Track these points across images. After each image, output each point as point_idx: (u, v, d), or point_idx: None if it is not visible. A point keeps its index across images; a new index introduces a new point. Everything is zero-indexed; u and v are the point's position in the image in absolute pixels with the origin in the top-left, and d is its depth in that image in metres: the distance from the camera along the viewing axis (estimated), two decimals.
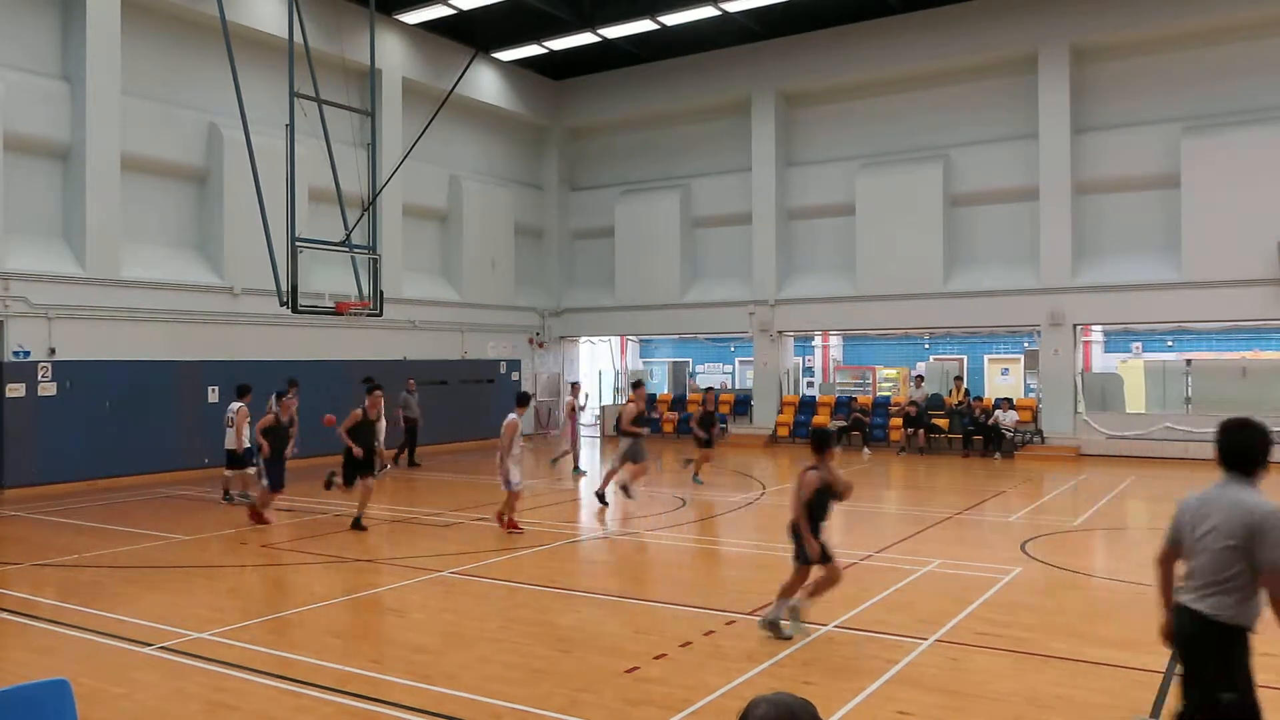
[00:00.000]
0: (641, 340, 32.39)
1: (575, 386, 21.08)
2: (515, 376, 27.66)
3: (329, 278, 17.97)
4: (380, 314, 18.00)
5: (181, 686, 6.61)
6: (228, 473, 15.52)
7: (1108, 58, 22.63)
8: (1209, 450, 17.86)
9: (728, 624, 8.05)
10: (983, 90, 24.07)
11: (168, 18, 19.63)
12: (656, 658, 7.12)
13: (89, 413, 17.50)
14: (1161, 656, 7.06)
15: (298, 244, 16.18)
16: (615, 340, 31.64)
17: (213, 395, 19.53)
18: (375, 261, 17.98)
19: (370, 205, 18.07)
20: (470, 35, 24.90)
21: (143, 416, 18.31)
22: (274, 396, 15.61)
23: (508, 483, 12.28)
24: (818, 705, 2.18)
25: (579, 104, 29.28)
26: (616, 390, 31.76)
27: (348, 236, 17.48)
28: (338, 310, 17.08)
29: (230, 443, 15.21)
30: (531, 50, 26.13)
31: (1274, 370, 22.37)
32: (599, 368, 32.43)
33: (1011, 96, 23.61)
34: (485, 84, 26.80)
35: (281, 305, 16.30)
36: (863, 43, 24.61)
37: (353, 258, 17.65)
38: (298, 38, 16.91)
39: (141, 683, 6.72)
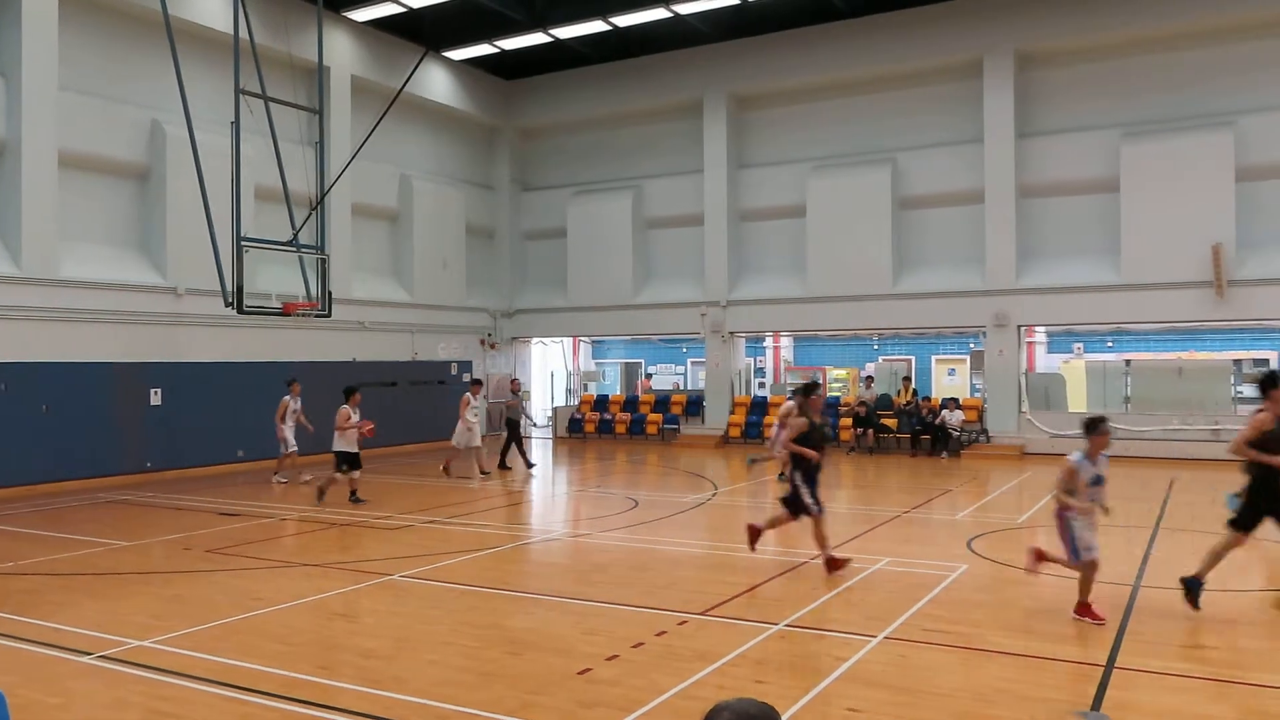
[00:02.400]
0: (594, 341, 32.36)
1: (476, 385, 20.35)
2: (466, 378, 27.47)
3: (276, 278, 17.71)
4: (329, 315, 17.79)
5: (121, 696, 6.46)
6: (356, 474, 15.48)
7: (1051, 64, 23.10)
8: (1148, 448, 18.38)
9: (680, 624, 8.07)
10: (930, 95, 24.43)
11: (108, 11, 19.20)
12: (609, 659, 7.11)
13: (26, 416, 17.03)
14: (1102, 650, 7.23)
15: (243, 243, 15.92)
16: (568, 341, 31.58)
17: (155, 397, 19.16)
18: (323, 262, 17.75)
19: (318, 204, 17.84)
20: (420, 34, 24.69)
21: (82, 420, 17.86)
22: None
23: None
24: (770, 704, 2.19)
25: (531, 104, 29.18)
26: (568, 391, 31.70)
27: (295, 236, 17.24)
28: (285, 311, 16.85)
29: (340, 444, 15.40)
30: (483, 50, 25.99)
31: (1208, 370, 22.99)
32: (551, 369, 32.33)
33: (958, 101, 23.99)
34: (436, 83, 26.61)
35: (227, 306, 16.01)
36: (813, 46, 24.84)
37: (300, 258, 17.40)
38: (243, 33, 16.63)
39: (79, 693, 6.56)
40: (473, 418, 18.79)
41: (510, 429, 20.76)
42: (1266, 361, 23.90)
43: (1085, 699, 6.25)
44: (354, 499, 15.33)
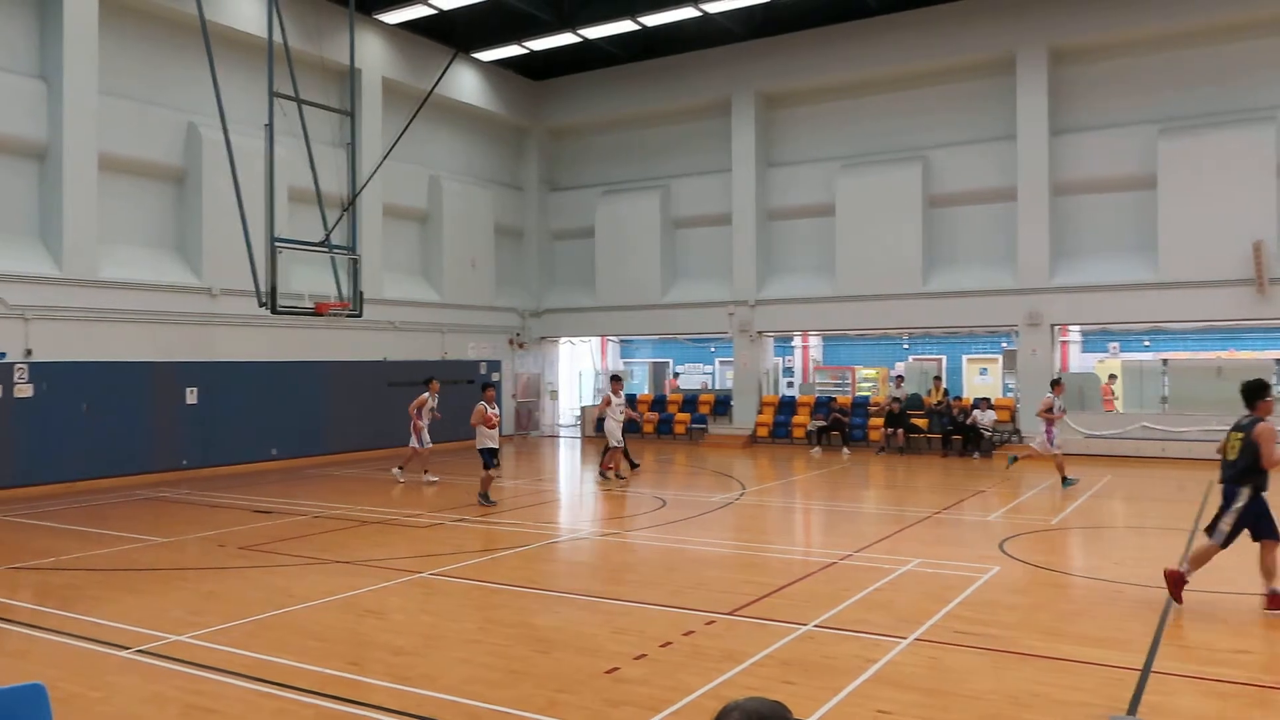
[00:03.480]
0: (622, 341, 32.40)
1: (616, 382, 19.26)
2: (496, 377, 27.63)
3: (308, 278, 17.96)
4: (360, 315, 17.96)
5: (159, 690, 6.57)
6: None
7: (1085, 60, 22.83)
8: (1185, 449, 18.20)
9: (707, 624, 8.07)
10: (961, 92, 24.23)
11: (146, 16, 19.48)
12: (636, 658, 7.13)
13: (66, 415, 17.35)
14: (1139, 654, 7.15)
15: (277, 244, 16.10)
16: (596, 341, 31.65)
17: (190, 396, 19.43)
18: (355, 262, 17.93)
19: (350, 205, 18.01)
20: (450, 35, 24.85)
21: (120, 418, 18.16)
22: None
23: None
24: (798, 705, 2.19)
25: (559, 104, 29.27)
26: (597, 391, 31.77)
27: (327, 237, 17.42)
28: (317, 311, 17.03)
29: (484, 441, 15.41)
30: (512, 50, 26.09)
31: (1249, 370, 22.55)
32: (579, 368, 32.43)
33: (990, 98, 23.77)
34: (465, 84, 26.76)
35: (260, 306, 16.21)
36: (842, 44, 24.72)
37: (332, 258, 17.59)
38: (277, 37, 16.82)
39: (118, 686, 6.67)
40: (620, 415, 18.33)
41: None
42: None
43: (1121, 704, 6.17)
44: (485, 500, 15.14)
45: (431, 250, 26.48)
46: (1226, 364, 22.80)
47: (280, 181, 17.92)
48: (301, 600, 9.00)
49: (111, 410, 18.01)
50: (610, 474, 18.32)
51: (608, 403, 18.33)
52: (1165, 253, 21.39)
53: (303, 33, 20.62)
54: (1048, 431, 17.17)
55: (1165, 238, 21.38)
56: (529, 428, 29.28)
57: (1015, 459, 18.60)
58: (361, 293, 17.88)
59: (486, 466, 15.18)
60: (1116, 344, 25.27)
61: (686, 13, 23.07)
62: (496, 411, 15.56)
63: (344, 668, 6.98)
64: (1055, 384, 17.95)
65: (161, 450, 18.91)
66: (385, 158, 20.81)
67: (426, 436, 18.46)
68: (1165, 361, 23.55)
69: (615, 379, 19.24)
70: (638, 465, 19.86)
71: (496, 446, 15.36)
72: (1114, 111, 22.48)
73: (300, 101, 17.22)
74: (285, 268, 16.37)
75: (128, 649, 7.44)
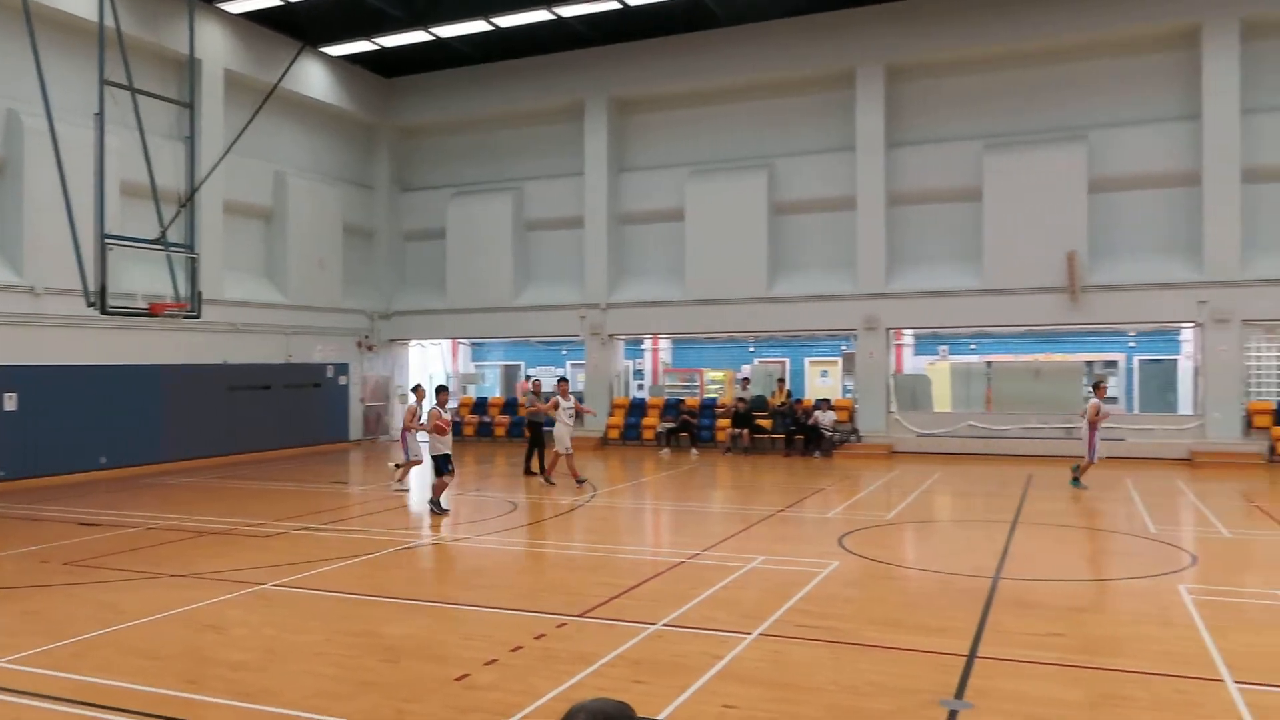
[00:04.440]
0: (473, 343, 32.08)
1: (563, 383, 19.01)
2: (343, 380, 26.89)
3: (142, 277, 17.01)
4: (198, 316, 17.15)
5: None
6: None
7: (919, 77, 24.07)
8: (1008, 446, 19.47)
9: (559, 627, 8.13)
10: (806, 104, 25.13)
11: None
12: (487, 664, 7.12)
13: None
14: (965, 641, 7.62)
15: (107, 241, 15.20)
16: (447, 344, 31.23)
17: (9, 403, 18.15)
18: (193, 261, 17.10)
19: (188, 201, 17.18)
20: (297, 28, 24.04)
21: None
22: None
23: None
24: (647, 704, 2.28)
25: (411, 103, 28.76)
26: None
27: (163, 234, 16.56)
28: (151, 312, 16.17)
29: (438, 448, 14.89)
30: (362, 46, 25.50)
31: (1062, 371, 24.35)
32: (430, 371, 31.88)
33: (832, 110, 24.74)
34: (313, 79, 25.95)
35: (89, 306, 15.24)
36: (692, 53, 25.24)
37: (168, 256, 16.73)
38: (109, 22, 15.90)
39: None
40: (570, 418, 17.84)
41: (534, 431, 19.77)
42: (1115, 363, 25.49)
43: (950, 689, 6.56)
44: (436, 507, 14.61)
45: (276, 250, 25.55)
46: (1044, 366, 24.48)
47: (111, 174, 16.91)
48: (132, 617, 8.57)
49: None
50: (574, 481, 17.60)
51: (555, 405, 17.80)
52: (989, 261, 22.81)
53: (138, 19, 19.56)
54: (1090, 439, 17.02)
55: (989, 247, 22.80)
56: (377, 432, 28.61)
57: (1078, 481, 17.28)
58: (200, 293, 17.07)
59: (439, 473, 14.76)
60: (946, 347, 26.73)
61: (540, 15, 23.08)
62: (448, 416, 15.07)
63: (180, 686, 6.70)
64: (1097, 387, 17.71)
65: None
66: (227, 152, 19.95)
67: (417, 446, 17.92)
68: (989, 364, 25.08)
69: (563, 380, 18.78)
70: (538, 472, 19.16)
71: (449, 452, 14.87)
72: (945, 127, 23.79)
73: (134, 91, 16.32)
74: (117, 266, 15.46)
75: None
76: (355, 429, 27.66)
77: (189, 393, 21.76)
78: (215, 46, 22.86)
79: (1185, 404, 23.47)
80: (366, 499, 16.67)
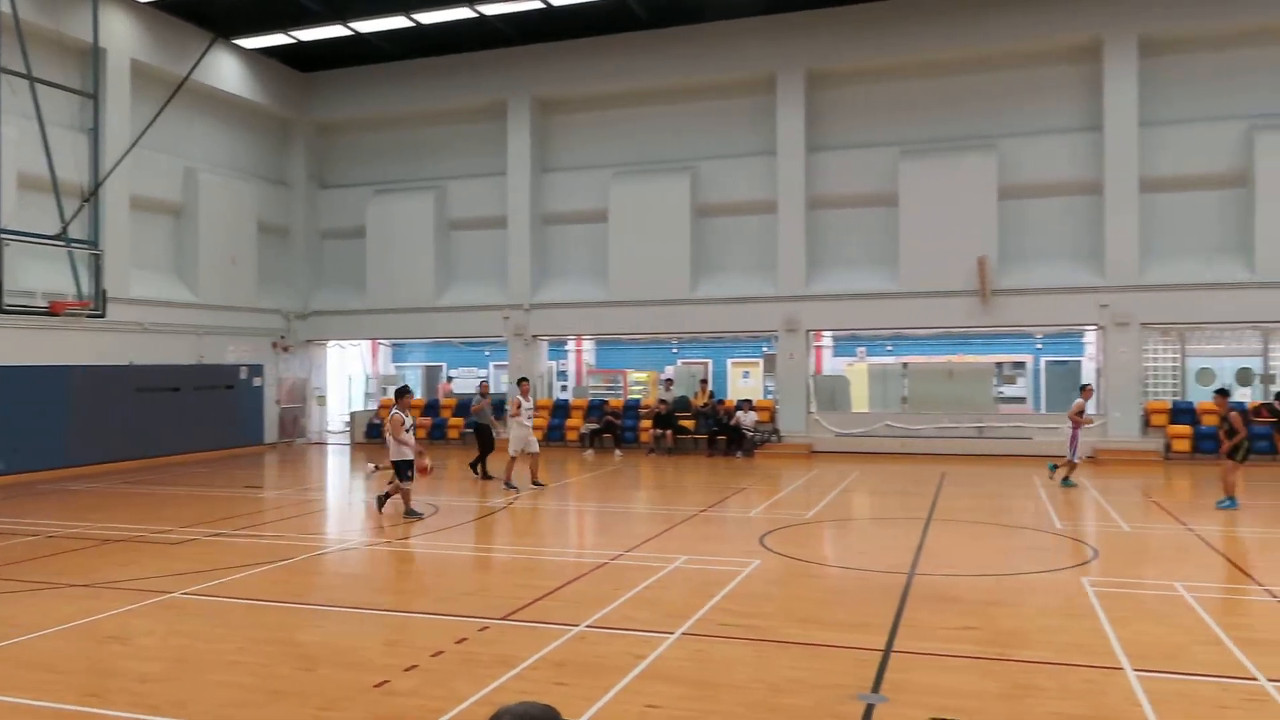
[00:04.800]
0: (394, 344, 31.60)
1: (524, 383, 18.29)
2: (257, 382, 26.24)
3: (43, 274, 16.39)
4: (103, 315, 16.62)
5: None
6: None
7: (839, 84, 24.49)
8: (923, 445, 19.97)
9: (481, 630, 8.05)
10: (729, 108, 25.36)
11: None
12: (407, 669, 7.01)
13: None
14: (882, 636, 7.76)
15: (3, 236, 14.60)
16: (366, 344, 30.71)
17: None
18: (97, 257, 16.54)
19: (91, 196, 16.61)
20: (209, 19, 23.37)
21: None
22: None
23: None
24: (569, 705, 2.27)
25: (329, 98, 28.21)
26: (368, 396, 30.85)
27: (64, 229, 15.98)
28: (52, 310, 15.62)
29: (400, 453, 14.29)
30: (278, 39, 24.91)
31: (973, 372, 25.02)
32: (349, 373, 31.34)
33: (755, 114, 25.01)
34: (226, 72, 25.27)
35: None
36: (617, 54, 25.27)
37: (70, 253, 16.15)
38: (5, 7, 15.27)
39: None
40: (527, 420, 17.23)
41: (481, 435, 19.28)
42: (1023, 365, 26.26)
43: (866, 683, 6.68)
44: (411, 513, 14.19)
45: (187, 247, 24.80)
46: (956, 367, 25.13)
47: (8, 166, 16.28)
48: (30, 630, 8.22)
49: None
50: (533, 484, 17.32)
51: (518, 407, 17.16)
52: (905, 265, 23.32)
53: (37, 3, 18.77)
54: (1072, 438, 17.43)
55: (905, 251, 23.31)
56: (294, 434, 28.00)
57: (1063, 478, 17.70)
58: (104, 291, 16.54)
59: (400, 479, 14.28)
60: (864, 348, 27.21)
61: (462, 13, 22.87)
62: (411, 421, 14.57)
63: (81, 700, 6.45)
64: (1084, 389, 18.21)
65: None
66: (133, 146, 19.33)
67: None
68: (905, 365, 25.64)
69: (523, 380, 18.02)
70: (493, 477, 18.73)
71: (412, 458, 14.38)
72: (863, 133, 24.25)
73: (33, 80, 15.71)
74: (14, 262, 14.87)
75: None
76: (270, 432, 27.01)
77: (94, 395, 20.98)
78: (121, 35, 22.07)
79: (1089, 404, 24.23)
80: (281, 503, 16.27)
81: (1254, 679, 6.67)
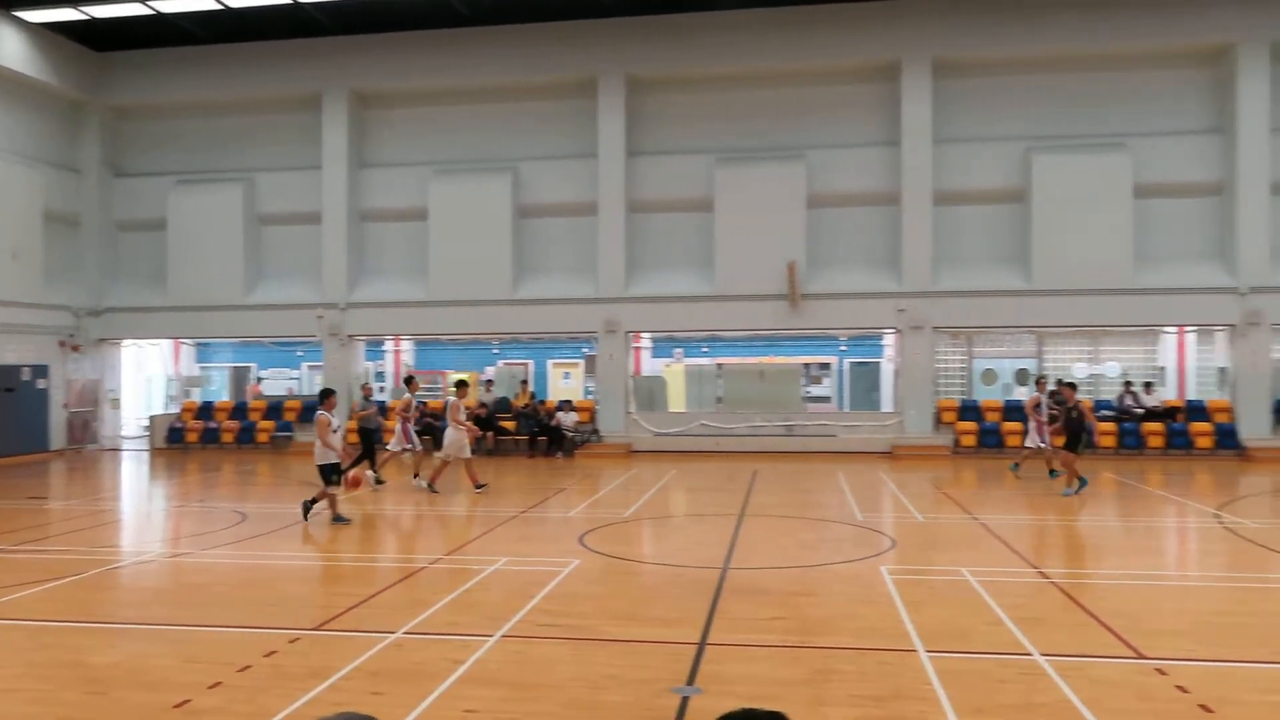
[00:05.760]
0: (199, 344, 29.95)
1: (462, 387, 17.57)
2: (42, 384, 24.32)
3: None
4: None
5: None
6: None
7: (656, 90, 25.02)
8: (736, 444, 20.67)
9: (291, 642, 7.81)
10: (550, 109, 25.45)
11: None
12: (211, 687, 6.72)
13: None
14: (697, 630, 8.05)
15: None
16: (167, 344, 28.98)
17: None
18: None
19: None
20: None
21: None
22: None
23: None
24: (386, 714, 2.30)
25: (127, 80, 26.41)
26: (169, 399, 29.12)
27: None
28: None
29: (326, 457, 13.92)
30: (66, 14, 23.14)
31: (783, 373, 26.13)
32: (147, 374, 29.47)
33: (575, 117, 25.20)
34: (7, 47, 23.28)
35: None
36: (439, 51, 24.90)
37: None
38: None
39: None
40: (465, 420, 16.62)
41: (365, 438, 18.37)
42: (829, 366, 27.65)
43: (682, 676, 6.91)
44: (340, 519, 13.64)
45: None
46: (767, 368, 26.18)
47: None
48: None
49: None
50: (433, 486, 16.85)
51: (457, 409, 16.58)
52: (720, 269, 24.11)
53: None
54: (1039, 428, 17.75)
55: (720, 255, 24.10)
56: (85, 440, 26.09)
57: (1054, 473, 17.88)
58: None
59: (327, 484, 13.59)
60: (681, 350, 27.93)
61: None
62: (338, 423, 13.91)
63: None
64: (1039, 381, 18.71)
65: None
66: None
67: (414, 437, 17.45)
68: (720, 366, 26.49)
69: (462, 384, 17.36)
70: (384, 482, 18.26)
71: (338, 461, 13.79)
72: (681, 139, 24.88)
73: None
74: None
75: None
76: (58, 438, 25.10)
77: None
78: None
79: (887, 402, 25.83)
80: (70, 515, 15.18)
81: (1029, 654, 7.34)
